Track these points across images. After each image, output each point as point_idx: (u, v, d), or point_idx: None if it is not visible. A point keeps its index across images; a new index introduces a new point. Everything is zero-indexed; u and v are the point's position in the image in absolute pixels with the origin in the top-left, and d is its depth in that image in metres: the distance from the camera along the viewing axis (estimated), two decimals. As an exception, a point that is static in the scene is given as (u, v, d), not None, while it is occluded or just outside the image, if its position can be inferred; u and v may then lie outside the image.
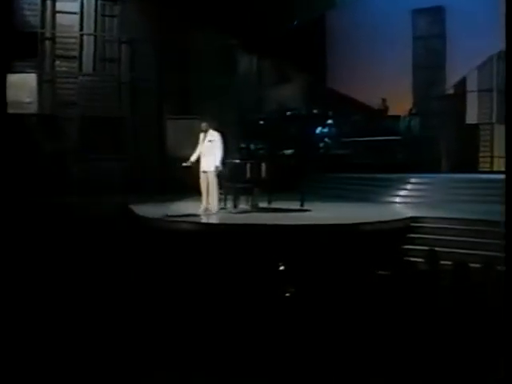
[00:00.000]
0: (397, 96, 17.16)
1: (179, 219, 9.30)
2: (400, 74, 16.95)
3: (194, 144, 15.64)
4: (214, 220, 9.68)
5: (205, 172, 10.22)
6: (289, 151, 16.20)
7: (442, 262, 6.57)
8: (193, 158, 10.22)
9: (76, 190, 13.56)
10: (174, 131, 15.17)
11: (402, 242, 9.15)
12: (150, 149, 15.20)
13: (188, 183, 14.63)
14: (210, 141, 10.25)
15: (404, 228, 9.51)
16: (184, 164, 10.18)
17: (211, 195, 10.16)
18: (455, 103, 16.47)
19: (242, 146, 15.65)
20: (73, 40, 14.91)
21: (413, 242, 9.17)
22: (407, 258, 7.20)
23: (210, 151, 10.17)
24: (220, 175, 10.23)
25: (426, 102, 16.67)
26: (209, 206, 10.18)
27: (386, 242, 8.98)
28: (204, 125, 10.34)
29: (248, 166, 10.68)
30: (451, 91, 16.52)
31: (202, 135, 10.35)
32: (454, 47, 16.27)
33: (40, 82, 14.53)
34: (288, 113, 17.97)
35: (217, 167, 10.07)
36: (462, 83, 16.38)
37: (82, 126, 14.67)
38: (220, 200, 10.55)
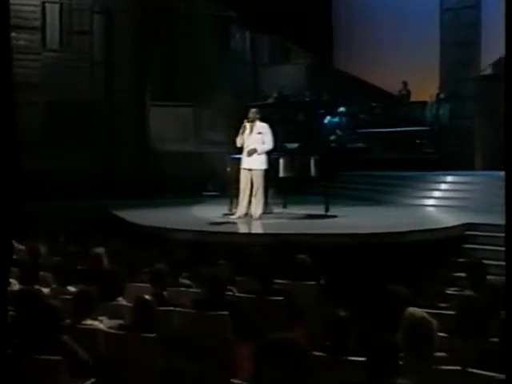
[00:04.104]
0: (421, 78, 16.82)
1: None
2: (425, 53, 16.63)
3: (183, 136, 15.39)
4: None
5: (249, 170, 10.05)
6: (293, 145, 15.86)
7: None
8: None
9: (36, 192, 13.00)
10: (159, 120, 14.86)
11: (459, 255, 8.88)
12: (130, 142, 14.92)
13: (176, 183, 14.47)
14: (259, 133, 10.07)
15: (458, 237, 9.27)
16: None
17: (256, 198, 10.03)
18: (492, 86, 16.19)
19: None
20: (32, 8, 14.42)
21: (472, 254, 8.87)
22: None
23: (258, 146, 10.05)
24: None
25: (457, 85, 16.33)
26: (249, 211, 10.09)
27: (439, 254, 8.73)
28: (253, 113, 10.16)
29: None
30: (487, 72, 16.22)
31: (247, 125, 10.13)
32: (491, 20, 16.00)
33: (-8, 59, 13.99)
34: (290, 98, 17.63)
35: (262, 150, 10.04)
36: (501, 62, 16.13)
37: (46, 113, 14.25)
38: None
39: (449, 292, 6.15)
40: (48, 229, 8.80)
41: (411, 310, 4.27)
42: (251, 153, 9.98)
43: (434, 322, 4.22)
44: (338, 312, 4.46)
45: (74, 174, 13.88)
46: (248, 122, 10.14)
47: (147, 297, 4.88)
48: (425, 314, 4.23)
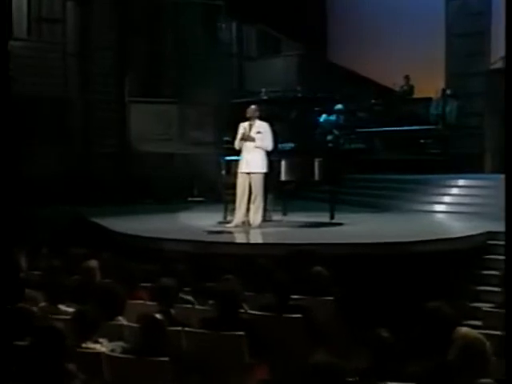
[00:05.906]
0: (425, 72, 16.88)
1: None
2: (429, 44, 16.68)
3: (166, 135, 15.27)
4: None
5: (247, 174, 9.97)
6: (287, 146, 15.80)
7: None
8: None
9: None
10: (140, 118, 14.76)
11: (482, 267, 8.85)
12: (107, 142, 14.86)
13: (158, 187, 14.36)
14: (258, 132, 10.01)
15: (480, 247, 9.22)
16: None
17: (255, 205, 9.93)
18: (504, 81, 16.27)
19: (226, 138, 15.43)
20: (-4, -7, 14.21)
21: (495, 266, 8.81)
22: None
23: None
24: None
25: (465, 79, 16.39)
26: (247, 218, 9.99)
27: (460, 265, 8.68)
28: (252, 110, 10.11)
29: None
30: (498, 65, 16.22)
31: (246, 124, 10.11)
32: (502, 8, 16.08)
33: (-48, 49, 13.80)
34: (280, 94, 17.53)
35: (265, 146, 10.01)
36: (514, 55, 16.18)
37: (13, 110, 13.91)
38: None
39: (486, 309, 6.06)
40: (25, 239, 8.58)
41: (463, 330, 4.17)
42: (248, 139, 9.91)
43: (488, 343, 4.13)
44: (379, 332, 4.34)
45: (45, 177, 13.64)
46: (247, 120, 10.08)
47: (158, 316, 4.72)
48: (479, 335, 4.13)
